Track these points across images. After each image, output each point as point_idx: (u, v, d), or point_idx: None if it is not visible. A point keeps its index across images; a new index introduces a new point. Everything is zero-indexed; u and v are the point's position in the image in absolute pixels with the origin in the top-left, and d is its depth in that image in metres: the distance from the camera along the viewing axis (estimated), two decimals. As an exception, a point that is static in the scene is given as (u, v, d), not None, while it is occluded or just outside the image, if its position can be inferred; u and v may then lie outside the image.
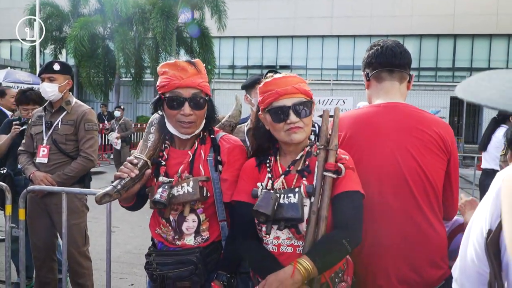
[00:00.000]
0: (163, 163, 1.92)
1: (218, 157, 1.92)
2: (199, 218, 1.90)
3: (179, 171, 1.89)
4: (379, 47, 2.04)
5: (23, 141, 3.64)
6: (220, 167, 1.91)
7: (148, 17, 19.32)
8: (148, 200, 1.90)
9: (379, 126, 1.93)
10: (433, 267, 1.86)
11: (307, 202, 1.67)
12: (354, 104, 10.58)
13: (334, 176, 1.68)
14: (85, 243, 3.57)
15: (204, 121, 1.94)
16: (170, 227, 1.92)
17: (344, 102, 13.20)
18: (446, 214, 1.97)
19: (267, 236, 1.71)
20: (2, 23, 26.43)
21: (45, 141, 3.42)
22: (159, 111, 1.96)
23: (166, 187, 1.81)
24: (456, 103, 21.78)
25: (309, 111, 1.73)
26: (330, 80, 18.67)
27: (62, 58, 22.46)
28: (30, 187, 3.09)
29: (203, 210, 1.90)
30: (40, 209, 3.47)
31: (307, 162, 1.76)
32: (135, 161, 1.82)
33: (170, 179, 1.87)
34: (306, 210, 1.65)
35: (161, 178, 1.87)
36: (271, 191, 1.69)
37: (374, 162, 1.89)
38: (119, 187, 1.73)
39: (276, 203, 1.64)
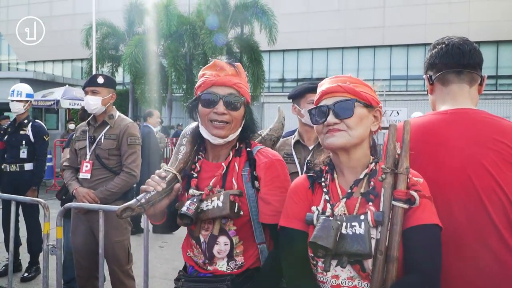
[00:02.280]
0: (195, 175, 1.76)
1: (254, 172, 1.71)
2: (232, 241, 1.70)
3: (211, 184, 1.71)
4: (443, 46, 1.77)
5: (68, 156, 3.62)
6: (256, 183, 1.70)
7: (199, 33, 19.67)
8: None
9: (447, 137, 1.64)
10: None
11: (374, 233, 1.38)
12: (409, 115, 10.16)
13: (406, 206, 1.38)
14: (129, 261, 3.45)
15: (240, 128, 1.76)
16: (200, 250, 1.74)
17: (398, 113, 12.79)
18: None
19: (325, 274, 1.43)
20: (63, 44, 28.01)
21: (88, 156, 3.37)
22: (194, 115, 1.79)
23: (195, 200, 1.64)
24: (520, 112, 20.48)
25: (351, 110, 1.46)
26: (383, 91, 18.10)
27: (119, 75, 23.35)
28: (67, 204, 3.03)
29: (236, 232, 1.70)
30: (83, 226, 3.40)
31: (372, 183, 1.46)
32: (163, 174, 1.66)
33: (200, 192, 1.70)
34: (373, 242, 1.37)
35: (191, 191, 1.71)
36: (331, 218, 1.40)
37: (441, 179, 1.59)
38: (143, 200, 1.58)
39: (338, 233, 1.35)
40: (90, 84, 3.42)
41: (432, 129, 1.69)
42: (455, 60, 1.73)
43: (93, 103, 3.36)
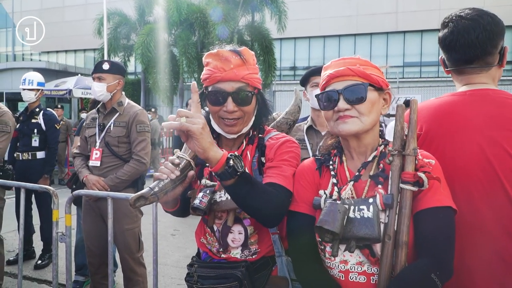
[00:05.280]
0: (208, 164, 1.69)
1: (262, 158, 1.64)
2: (246, 230, 1.65)
3: None
4: (453, 33, 1.64)
5: (78, 144, 3.61)
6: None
7: (209, 21, 19.52)
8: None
9: (465, 119, 1.57)
10: None
11: (383, 216, 1.33)
12: (423, 102, 9.94)
13: (414, 188, 1.32)
14: (139, 249, 3.46)
15: (253, 118, 1.69)
16: (214, 238, 1.70)
17: (411, 100, 12.56)
18: None
19: (333, 259, 1.39)
20: (76, 34, 28.13)
21: (98, 144, 3.36)
22: (205, 107, 1.72)
23: (208, 191, 1.60)
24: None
25: (364, 96, 1.39)
26: (396, 78, 17.85)
27: (131, 65, 23.38)
28: (76, 192, 3.02)
29: (251, 222, 1.64)
30: (94, 214, 3.41)
31: (381, 165, 1.42)
32: (177, 161, 1.57)
33: (213, 183, 1.64)
34: (382, 227, 1.32)
35: (203, 181, 1.66)
36: (338, 201, 1.36)
37: (459, 163, 1.53)
38: (156, 189, 1.50)
39: (345, 217, 1.31)
40: (96, 70, 3.40)
41: (449, 110, 1.62)
42: (467, 54, 1.62)
43: (98, 89, 3.33)
